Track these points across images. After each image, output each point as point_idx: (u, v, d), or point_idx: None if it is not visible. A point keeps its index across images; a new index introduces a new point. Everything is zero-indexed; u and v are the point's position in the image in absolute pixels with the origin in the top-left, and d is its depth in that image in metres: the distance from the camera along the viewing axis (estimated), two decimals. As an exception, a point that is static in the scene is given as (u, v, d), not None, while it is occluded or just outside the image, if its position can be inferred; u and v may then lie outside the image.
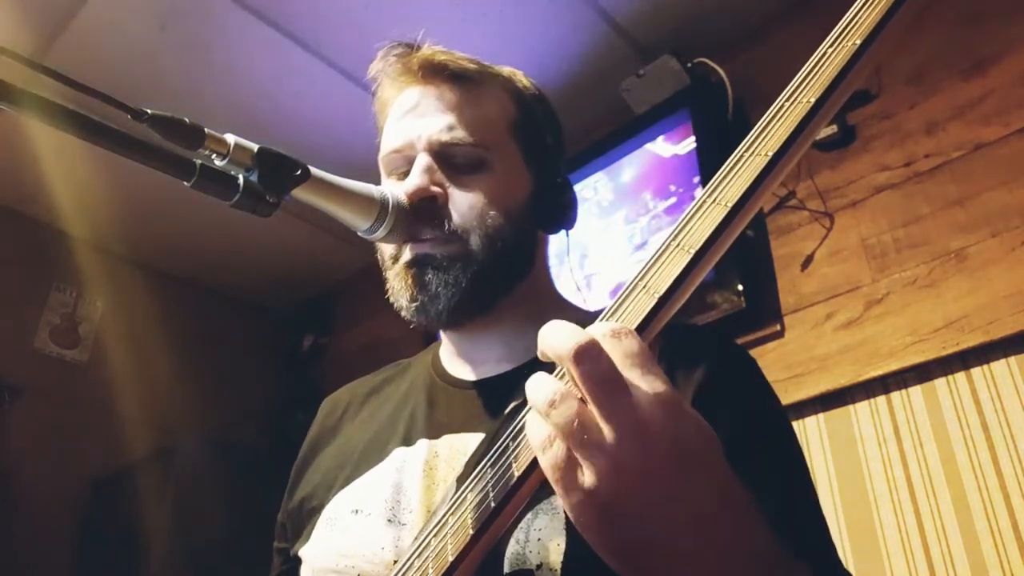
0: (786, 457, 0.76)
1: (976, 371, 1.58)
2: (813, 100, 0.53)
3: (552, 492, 0.48)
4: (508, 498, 0.51)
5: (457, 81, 0.88)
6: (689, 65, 2.26)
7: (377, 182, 0.85)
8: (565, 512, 0.52)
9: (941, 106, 1.85)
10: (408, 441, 0.84)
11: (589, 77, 2.45)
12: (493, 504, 0.51)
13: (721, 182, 0.54)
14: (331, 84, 2.53)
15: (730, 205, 0.52)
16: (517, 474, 0.50)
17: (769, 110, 0.56)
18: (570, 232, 0.95)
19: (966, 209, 1.72)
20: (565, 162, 0.99)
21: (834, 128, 1.94)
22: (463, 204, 0.84)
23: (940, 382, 1.62)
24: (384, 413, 0.93)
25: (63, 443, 2.93)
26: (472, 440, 0.79)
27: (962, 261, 1.69)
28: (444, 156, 0.86)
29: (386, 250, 0.88)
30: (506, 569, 0.67)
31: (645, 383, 0.45)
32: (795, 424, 1.80)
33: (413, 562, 0.60)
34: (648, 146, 2.31)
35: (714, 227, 0.51)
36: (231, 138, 0.69)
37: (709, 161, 2.09)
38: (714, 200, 0.53)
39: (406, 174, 0.86)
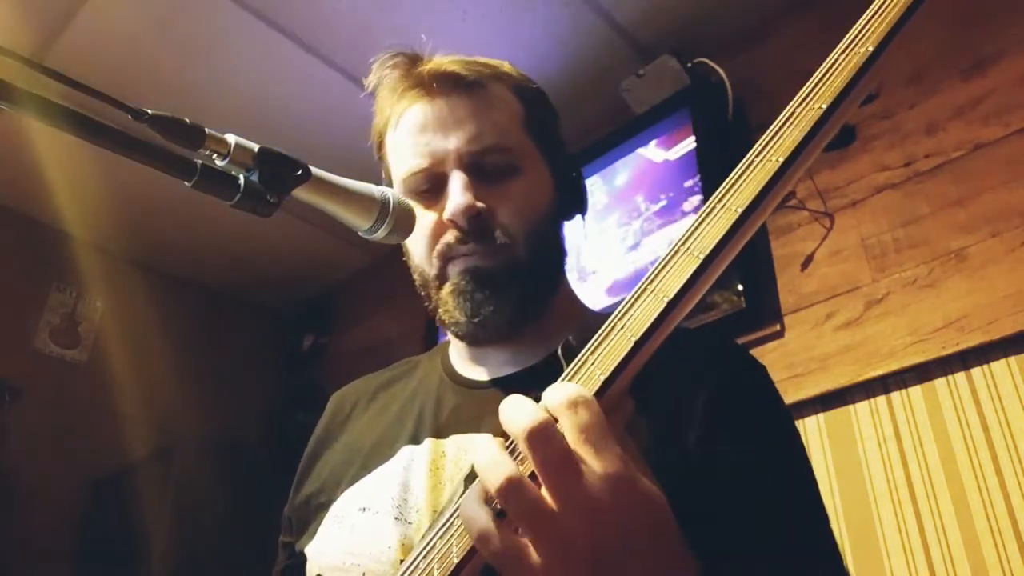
0: (796, 482, 0.74)
1: (976, 371, 1.58)
2: (824, 106, 0.53)
3: None
4: None
5: (467, 89, 0.87)
6: (689, 65, 2.26)
7: (377, 182, 0.85)
8: None
9: (941, 106, 1.85)
10: (416, 440, 0.84)
11: (589, 77, 2.45)
12: (499, 506, 0.51)
13: (731, 187, 0.54)
14: (331, 84, 2.53)
15: (740, 211, 0.52)
16: (525, 475, 0.50)
17: (780, 116, 0.55)
18: (585, 217, 0.95)
19: (966, 209, 1.72)
20: (567, 144, 0.99)
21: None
22: (506, 215, 0.83)
23: (940, 382, 1.62)
24: (392, 411, 0.92)
25: (63, 443, 2.93)
26: (479, 441, 0.79)
27: (962, 261, 1.69)
28: (476, 167, 0.84)
29: (428, 271, 0.87)
30: None
31: (598, 460, 0.46)
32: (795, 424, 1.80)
33: (419, 563, 0.60)
34: (640, 151, 2.32)
35: (723, 232, 0.51)
36: (232, 138, 0.69)
37: (709, 161, 2.09)
38: (724, 205, 0.53)
39: (430, 192, 0.85)
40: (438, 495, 0.76)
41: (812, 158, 0.54)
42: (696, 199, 2.09)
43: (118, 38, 2.36)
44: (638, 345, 0.51)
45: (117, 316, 3.25)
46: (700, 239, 0.52)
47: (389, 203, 0.80)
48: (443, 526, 0.58)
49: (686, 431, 0.72)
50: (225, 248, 3.33)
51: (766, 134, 0.55)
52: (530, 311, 0.84)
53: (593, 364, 0.53)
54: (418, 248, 0.87)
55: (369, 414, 0.95)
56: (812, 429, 1.77)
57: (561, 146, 0.95)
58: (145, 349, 3.18)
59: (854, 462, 1.67)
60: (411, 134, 0.87)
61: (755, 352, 2.04)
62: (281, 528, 0.96)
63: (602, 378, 0.51)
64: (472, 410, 0.84)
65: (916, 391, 1.65)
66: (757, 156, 0.54)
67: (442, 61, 0.88)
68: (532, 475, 0.48)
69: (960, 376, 1.60)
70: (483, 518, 0.48)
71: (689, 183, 2.12)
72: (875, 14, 0.55)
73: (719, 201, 0.54)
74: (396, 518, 0.76)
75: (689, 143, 2.18)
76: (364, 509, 0.80)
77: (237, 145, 0.69)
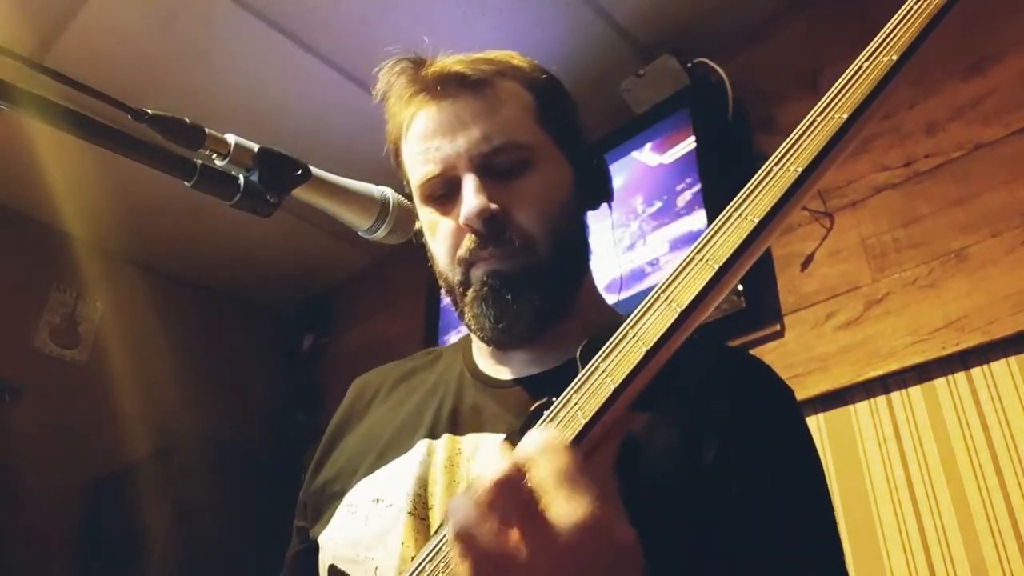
0: (809, 510, 0.73)
1: (976, 371, 1.58)
2: (846, 116, 0.52)
3: None
4: None
5: (474, 88, 0.85)
6: (689, 65, 2.26)
7: (378, 182, 0.84)
8: None
9: (941, 106, 1.85)
10: (433, 434, 0.83)
11: (589, 77, 2.45)
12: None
13: (748, 197, 0.53)
14: (331, 84, 2.53)
15: (756, 220, 0.51)
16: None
17: (800, 124, 0.54)
18: (612, 204, 0.93)
19: (966, 209, 1.72)
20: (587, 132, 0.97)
21: (834, 128, 1.94)
22: (522, 214, 0.81)
23: (940, 382, 1.62)
24: (412, 402, 0.91)
25: (63, 443, 2.93)
26: (495, 440, 0.79)
27: (962, 261, 1.69)
28: (488, 168, 0.82)
29: (452, 278, 0.85)
30: None
31: (569, 505, 0.46)
32: (795, 424, 1.80)
33: (424, 565, 0.60)
34: (635, 154, 2.32)
35: (740, 242, 0.51)
36: (232, 138, 0.69)
37: (709, 161, 2.09)
38: (741, 215, 0.52)
39: (445, 197, 0.84)
40: (453, 492, 0.76)
41: (832, 168, 0.53)
42: (689, 194, 2.10)
43: (118, 38, 2.36)
44: (649, 355, 0.51)
45: (117, 316, 3.25)
46: (715, 248, 0.52)
47: (389, 203, 0.80)
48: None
49: (703, 446, 0.70)
50: (225, 248, 3.33)
51: (785, 143, 0.54)
52: (555, 310, 0.82)
53: (604, 373, 0.53)
54: (441, 255, 0.86)
55: (389, 403, 0.94)
56: (812, 429, 1.76)
57: (579, 135, 0.93)
58: (145, 349, 3.18)
59: (854, 462, 1.67)
60: (420, 141, 0.85)
61: (755, 352, 2.04)
62: (296, 512, 0.95)
63: (584, 420, 0.51)
64: (492, 409, 0.83)
65: (916, 391, 1.65)
66: (776, 165, 0.53)
67: (446, 62, 0.86)
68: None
69: (960, 376, 1.60)
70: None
71: (682, 187, 2.13)
72: (900, 22, 0.54)
73: (735, 210, 0.53)
74: (410, 513, 0.76)
75: (684, 146, 2.18)
76: (379, 501, 0.79)
77: (237, 145, 0.69)
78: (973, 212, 1.71)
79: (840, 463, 1.69)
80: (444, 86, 0.85)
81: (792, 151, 0.53)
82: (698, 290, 0.51)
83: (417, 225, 0.88)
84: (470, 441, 0.80)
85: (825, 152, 0.52)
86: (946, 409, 1.59)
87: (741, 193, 0.54)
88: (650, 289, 0.54)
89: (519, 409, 0.80)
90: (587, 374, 0.54)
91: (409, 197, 0.88)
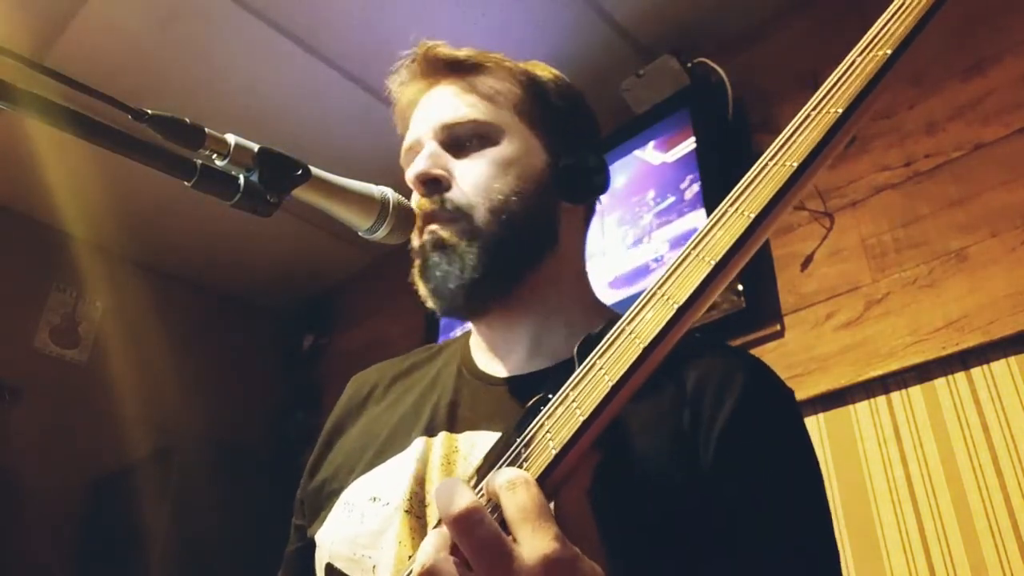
0: (809, 527, 0.72)
1: (976, 371, 1.58)
2: (840, 111, 0.52)
3: None
4: None
5: (456, 70, 0.89)
6: (689, 65, 2.26)
7: (377, 182, 0.85)
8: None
9: (941, 106, 1.85)
10: (431, 432, 0.83)
11: (589, 77, 2.44)
12: None
13: (743, 193, 0.53)
14: (331, 84, 2.53)
15: (752, 216, 0.51)
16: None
17: (794, 119, 0.54)
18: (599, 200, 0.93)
19: (966, 209, 1.72)
20: (598, 143, 0.97)
21: (834, 128, 1.94)
22: (467, 180, 0.83)
23: (940, 382, 1.62)
24: (410, 399, 0.91)
25: (63, 443, 2.93)
26: (491, 439, 0.79)
27: (962, 261, 1.69)
28: (450, 140, 0.86)
29: (415, 244, 0.88)
30: None
31: (534, 540, 0.46)
32: (795, 424, 1.80)
33: None
34: (638, 153, 2.32)
35: (735, 238, 0.51)
36: (232, 138, 0.69)
37: (709, 161, 2.09)
38: (736, 211, 0.52)
39: None
40: None
41: (827, 163, 0.53)
42: (690, 192, 2.10)
43: (118, 38, 2.36)
44: (647, 351, 0.51)
45: (117, 316, 3.25)
46: (711, 244, 0.52)
47: (389, 203, 0.80)
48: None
49: (701, 446, 0.70)
50: (225, 248, 3.33)
51: (779, 138, 0.54)
52: (491, 285, 0.82)
53: (602, 369, 0.53)
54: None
55: (387, 401, 0.94)
56: (812, 429, 1.77)
57: (570, 133, 0.92)
58: (145, 349, 3.18)
59: (854, 462, 1.67)
60: (410, 119, 0.92)
61: (755, 352, 2.04)
62: (294, 510, 0.95)
63: (555, 451, 0.51)
64: (487, 407, 0.83)
65: (916, 391, 1.65)
66: (771, 160, 0.53)
67: (433, 45, 0.91)
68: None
69: (960, 376, 1.60)
70: None
71: (684, 185, 2.13)
72: (893, 16, 0.54)
73: (732, 205, 0.53)
74: (407, 511, 0.76)
75: (687, 145, 2.18)
76: (375, 499, 0.79)
77: (237, 145, 0.69)
78: (973, 212, 1.71)
79: (840, 463, 1.69)
80: (430, 70, 0.90)
81: (787, 146, 0.53)
82: (695, 286, 0.50)
83: None
84: (467, 439, 0.80)
85: (820, 147, 0.52)
86: (946, 409, 1.59)
87: (736, 188, 0.54)
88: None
89: (516, 406, 0.80)
90: (584, 371, 0.54)
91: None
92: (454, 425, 0.83)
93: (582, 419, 0.51)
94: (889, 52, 0.53)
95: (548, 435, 0.53)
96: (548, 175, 0.87)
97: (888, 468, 1.62)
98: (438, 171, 0.84)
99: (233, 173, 0.69)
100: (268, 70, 2.49)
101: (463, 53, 0.90)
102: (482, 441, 0.79)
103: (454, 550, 0.49)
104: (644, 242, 2.18)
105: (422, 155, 0.85)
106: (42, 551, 2.79)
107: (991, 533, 1.45)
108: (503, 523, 0.48)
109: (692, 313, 0.51)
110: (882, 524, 1.59)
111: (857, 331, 1.79)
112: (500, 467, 0.53)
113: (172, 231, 3.22)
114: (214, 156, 0.68)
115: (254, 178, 0.70)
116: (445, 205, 0.83)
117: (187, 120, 0.66)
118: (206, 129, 0.67)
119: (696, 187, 2.09)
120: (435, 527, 0.53)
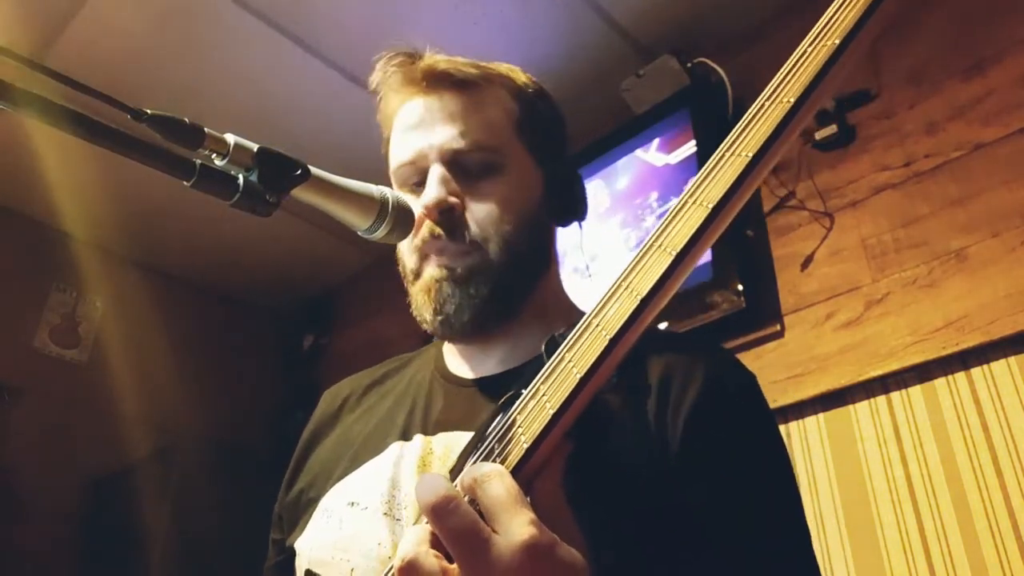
0: (780, 507, 0.73)
1: (976, 371, 1.58)
2: (792, 100, 0.53)
3: None
4: None
5: (460, 88, 0.88)
6: (689, 65, 2.26)
7: (377, 182, 0.85)
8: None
9: (941, 106, 1.85)
10: (406, 436, 0.84)
11: (589, 77, 2.45)
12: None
13: (702, 183, 0.54)
14: (331, 84, 2.53)
15: (711, 206, 0.52)
16: None
17: (749, 110, 0.55)
18: (582, 223, 0.95)
19: (966, 209, 1.72)
20: (570, 153, 1.00)
21: (834, 128, 1.94)
22: (480, 213, 0.84)
23: (940, 382, 1.62)
24: (384, 407, 0.93)
25: (63, 443, 2.93)
26: (466, 439, 0.80)
27: (962, 261, 1.69)
28: (457, 165, 0.86)
29: (407, 264, 0.89)
30: None
31: (512, 526, 0.47)
32: (795, 424, 1.80)
33: None
34: (640, 153, 2.32)
35: (695, 228, 0.52)
36: (231, 138, 0.69)
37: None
38: (695, 201, 0.54)
39: (419, 185, 0.87)
40: None
41: (782, 151, 0.54)
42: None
43: (118, 38, 2.36)
44: (613, 342, 0.52)
45: (117, 316, 3.25)
46: (672, 235, 0.53)
47: (388, 203, 0.80)
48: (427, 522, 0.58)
49: (669, 436, 0.72)
50: (225, 248, 3.33)
51: (736, 128, 0.55)
52: (498, 311, 0.85)
53: (570, 362, 0.54)
54: (403, 240, 0.88)
55: (360, 409, 0.96)
56: (812, 429, 1.77)
57: (560, 152, 0.96)
58: (145, 349, 3.18)
59: (854, 462, 1.67)
60: (402, 131, 0.90)
61: (755, 352, 2.04)
62: (272, 525, 0.96)
63: (527, 445, 0.52)
64: (460, 408, 0.84)
65: (916, 391, 1.65)
66: (728, 151, 0.55)
67: (439, 59, 0.89)
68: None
69: (960, 376, 1.60)
70: None
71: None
72: (841, 6, 0.55)
73: (691, 196, 0.54)
74: (385, 514, 0.76)
75: (690, 147, 2.18)
76: (353, 504, 0.80)
77: (236, 145, 0.69)
78: (973, 212, 1.71)
79: (840, 463, 1.69)
80: (434, 82, 0.88)
81: (743, 136, 0.55)
82: (657, 277, 0.52)
83: None
84: (441, 440, 0.81)
85: (774, 136, 0.53)
86: (946, 409, 1.59)
87: (694, 180, 0.55)
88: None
89: (489, 406, 0.81)
90: (553, 364, 0.55)
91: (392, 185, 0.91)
92: (428, 428, 0.84)
93: (552, 412, 0.52)
94: (838, 42, 0.54)
95: (519, 429, 0.54)
96: (543, 200, 0.90)
97: (888, 468, 1.62)
98: (454, 199, 0.84)
99: (232, 173, 0.69)
100: (268, 70, 2.49)
101: (464, 69, 0.89)
102: (457, 442, 0.80)
103: (435, 544, 0.49)
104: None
105: (435, 180, 0.84)
106: (42, 551, 2.79)
107: (991, 533, 1.45)
108: (481, 516, 0.49)
109: (656, 303, 0.52)
110: (882, 524, 1.59)
111: (857, 331, 1.79)
112: (474, 463, 0.54)
113: (172, 231, 3.22)
114: (213, 156, 0.68)
115: (253, 178, 0.70)
116: (459, 236, 0.84)
117: (186, 120, 0.66)
118: (205, 129, 0.67)
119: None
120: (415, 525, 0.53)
